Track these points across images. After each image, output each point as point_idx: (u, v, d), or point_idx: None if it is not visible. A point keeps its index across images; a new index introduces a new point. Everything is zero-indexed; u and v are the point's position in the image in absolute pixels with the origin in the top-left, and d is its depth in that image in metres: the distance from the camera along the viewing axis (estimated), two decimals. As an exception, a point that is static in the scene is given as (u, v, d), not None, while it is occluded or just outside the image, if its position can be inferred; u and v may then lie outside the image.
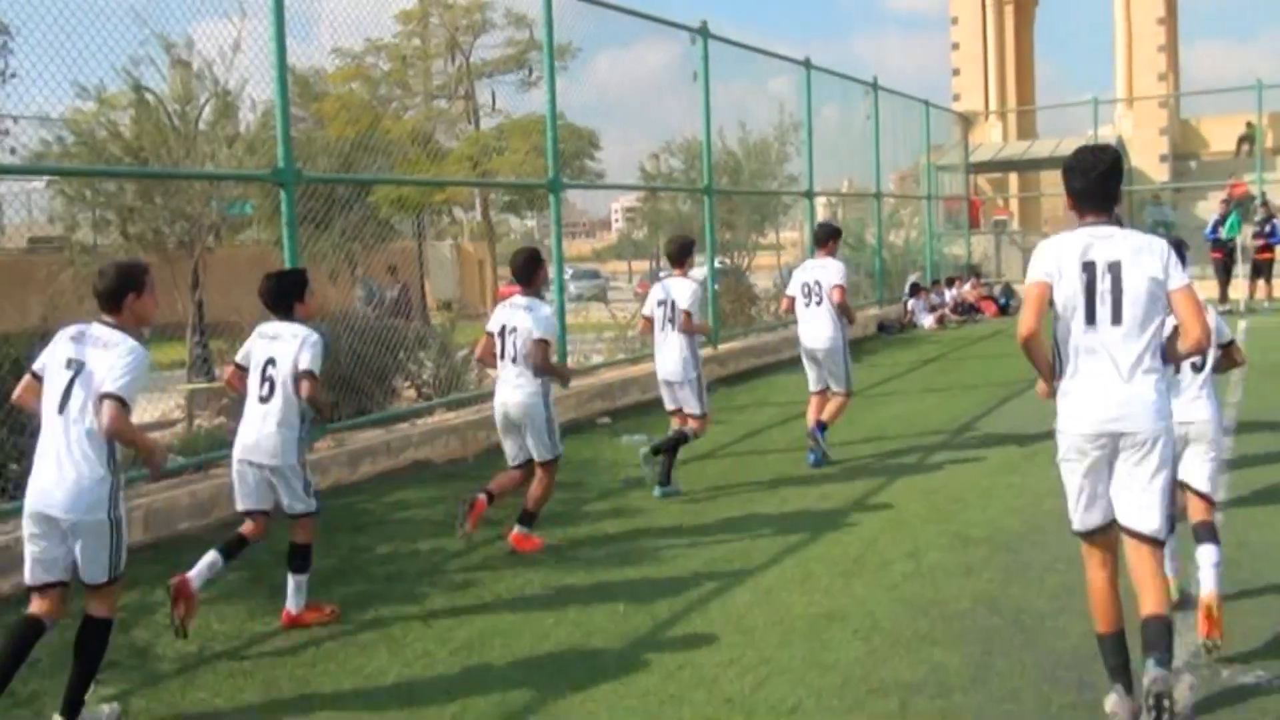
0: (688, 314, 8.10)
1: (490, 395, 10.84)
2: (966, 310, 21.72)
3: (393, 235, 15.62)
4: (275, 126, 8.47)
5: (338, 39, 12.09)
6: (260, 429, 5.59)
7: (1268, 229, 20.36)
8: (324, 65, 14.17)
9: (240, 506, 5.75)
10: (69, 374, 4.41)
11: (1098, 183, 4.32)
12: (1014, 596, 5.67)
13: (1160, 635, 4.11)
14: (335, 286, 12.46)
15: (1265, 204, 21.15)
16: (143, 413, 8.70)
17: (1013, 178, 32.25)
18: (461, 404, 10.43)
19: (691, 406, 8.26)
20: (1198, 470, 5.24)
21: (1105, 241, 4.22)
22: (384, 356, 10.08)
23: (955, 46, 31.97)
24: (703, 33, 13.91)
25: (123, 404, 4.31)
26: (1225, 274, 20.48)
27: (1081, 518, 4.47)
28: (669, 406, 8.45)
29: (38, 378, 4.56)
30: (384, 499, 8.19)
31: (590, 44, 12.80)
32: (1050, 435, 4.56)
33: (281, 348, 5.63)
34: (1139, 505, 4.24)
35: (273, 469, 5.59)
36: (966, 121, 28.70)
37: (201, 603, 5.92)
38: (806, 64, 17.20)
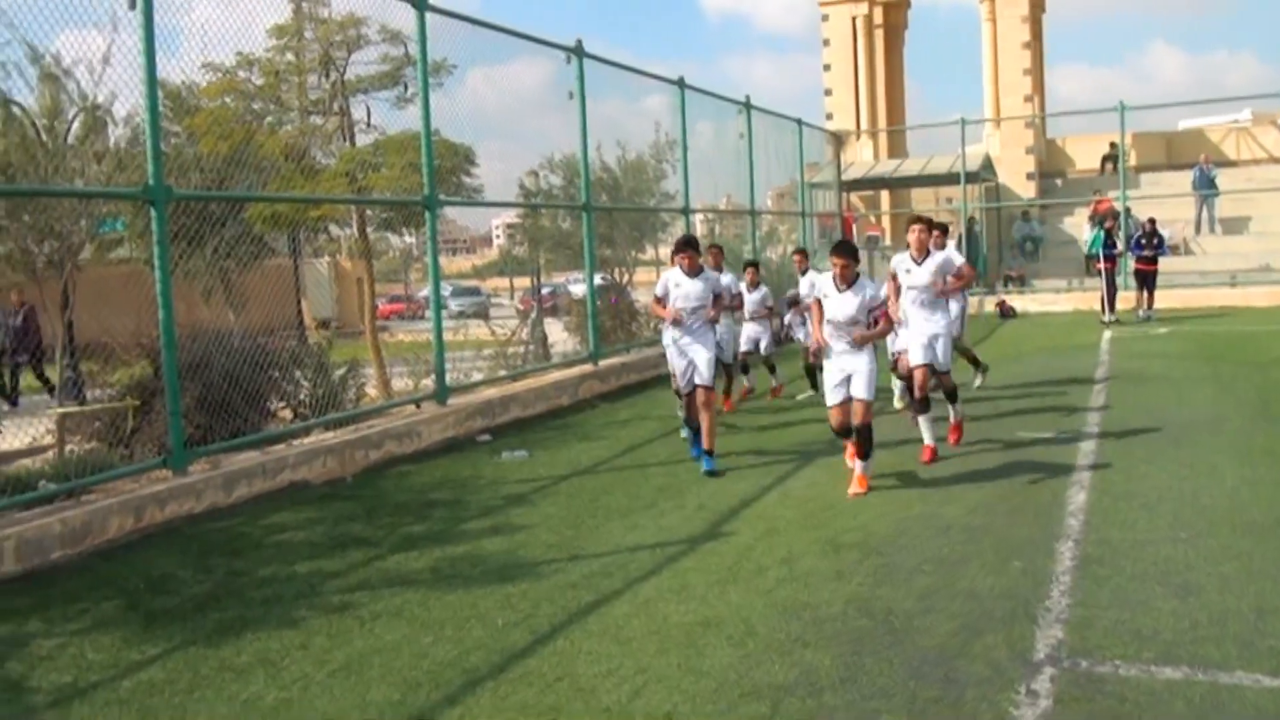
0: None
1: (367, 414, 10.83)
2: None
3: (268, 253, 15.35)
4: (145, 142, 8.31)
5: (207, 53, 11.85)
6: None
7: (1155, 241, 21.38)
8: (197, 79, 13.88)
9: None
10: None
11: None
12: (883, 598, 5.86)
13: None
14: (209, 306, 12.23)
15: (1151, 220, 22.19)
16: (11, 439, 8.46)
17: (884, 195, 33.11)
18: (339, 424, 10.33)
19: None
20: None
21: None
22: (259, 377, 9.93)
23: (827, 68, 32.68)
24: (578, 52, 14.04)
25: None
26: (1112, 286, 21.29)
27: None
28: None
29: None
30: (261, 522, 8.08)
31: (466, 61, 12.80)
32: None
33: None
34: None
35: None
36: (839, 140, 29.38)
37: (77, 632, 5.83)
38: (680, 83, 17.46)
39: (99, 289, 11.37)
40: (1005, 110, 30.56)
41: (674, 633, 5.44)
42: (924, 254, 9.68)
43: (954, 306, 10.97)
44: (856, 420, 8.36)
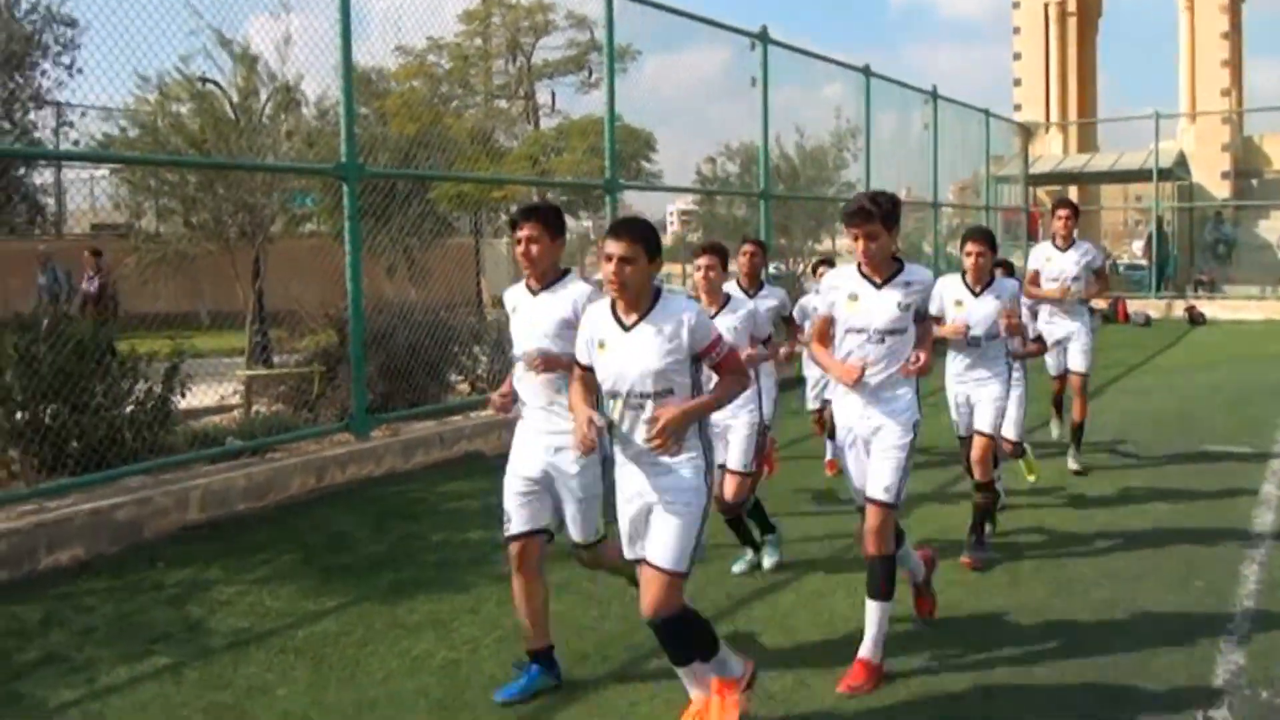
0: None
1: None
2: (1020, 321, 21.52)
3: (449, 231, 15.79)
4: (337, 121, 8.63)
5: (399, 36, 12.26)
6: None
7: None
8: (387, 63, 14.36)
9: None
10: None
11: None
12: (1059, 609, 5.66)
13: None
14: (392, 280, 12.65)
15: None
16: (202, 396, 8.91)
17: (1073, 190, 31.91)
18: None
19: None
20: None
21: None
22: (438, 350, 10.21)
23: (1017, 57, 31.67)
24: (763, 38, 13.93)
25: None
26: None
27: None
28: None
29: None
30: (437, 489, 8.33)
31: (649, 46, 12.88)
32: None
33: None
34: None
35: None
36: (1027, 132, 28.44)
37: (255, 581, 6.11)
38: (866, 71, 17.16)
39: (288, 260, 11.90)
40: (1201, 104, 29.09)
41: (840, 627, 5.36)
42: (883, 275, 5.09)
43: (1017, 393, 7.33)
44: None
